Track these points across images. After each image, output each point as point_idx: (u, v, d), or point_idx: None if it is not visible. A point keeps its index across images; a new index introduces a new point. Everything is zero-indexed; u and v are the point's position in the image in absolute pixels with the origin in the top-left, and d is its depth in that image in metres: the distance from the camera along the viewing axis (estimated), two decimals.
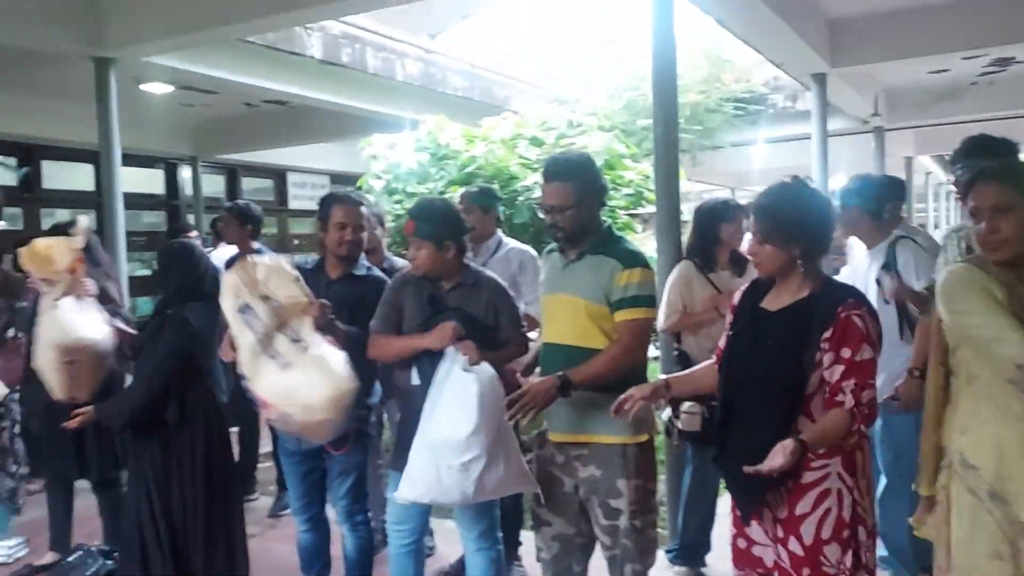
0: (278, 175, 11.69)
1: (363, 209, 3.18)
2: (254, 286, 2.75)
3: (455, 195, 5.22)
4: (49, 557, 3.94)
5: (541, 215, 2.66)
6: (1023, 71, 8.07)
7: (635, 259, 2.58)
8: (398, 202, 5.56)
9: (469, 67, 8.84)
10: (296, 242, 11.63)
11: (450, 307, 2.74)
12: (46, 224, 8.93)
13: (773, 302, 2.20)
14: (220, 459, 3.18)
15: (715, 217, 3.56)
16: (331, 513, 3.29)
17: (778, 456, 1.91)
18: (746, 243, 2.94)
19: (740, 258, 3.52)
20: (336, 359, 2.71)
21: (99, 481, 3.87)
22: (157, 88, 7.23)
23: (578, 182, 2.55)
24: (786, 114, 10.23)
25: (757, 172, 12.53)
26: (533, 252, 3.81)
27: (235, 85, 6.66)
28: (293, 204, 11.86)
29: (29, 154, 8.60)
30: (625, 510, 2.56)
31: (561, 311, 2.63)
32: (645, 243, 4.88)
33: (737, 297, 2.35)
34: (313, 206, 12.55)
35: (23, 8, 4.76)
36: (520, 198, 5.18)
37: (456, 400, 2.52)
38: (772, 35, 5.63)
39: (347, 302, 3.00)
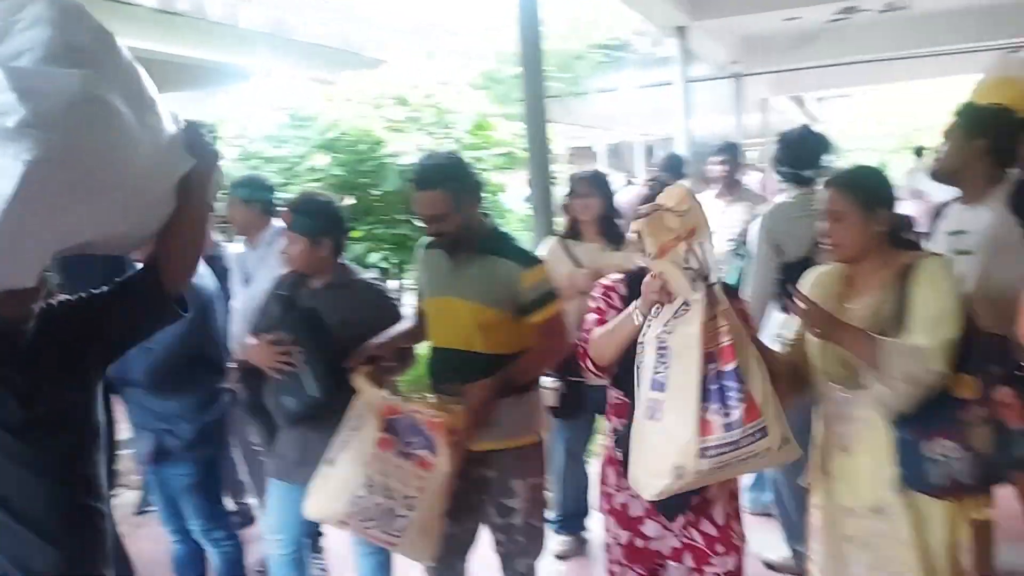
0: None
1: None
2: None
3: (314, 162, 4.90)
4: None
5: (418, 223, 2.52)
6: (868, 19, 8.37)
7: (531, 257, 2.57)
8: (254, 168, 5.14)
9: (322, 11, 8.28)
10: None
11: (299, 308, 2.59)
12: None
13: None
14: None
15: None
16: None
17: None
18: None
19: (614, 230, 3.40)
20: None
21: None
22: None
23: (452, 186, 2.41)
24: (650, 60, 10.26)
25: (622, 116, 12.69)
26: None
27: None
28: None
29: None
30: (520, 509, 2.52)
31: (451, 315, 2.52)
32: None
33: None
34: None
35: None
36: (388, 163, 4.88)
37: None
38: None
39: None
